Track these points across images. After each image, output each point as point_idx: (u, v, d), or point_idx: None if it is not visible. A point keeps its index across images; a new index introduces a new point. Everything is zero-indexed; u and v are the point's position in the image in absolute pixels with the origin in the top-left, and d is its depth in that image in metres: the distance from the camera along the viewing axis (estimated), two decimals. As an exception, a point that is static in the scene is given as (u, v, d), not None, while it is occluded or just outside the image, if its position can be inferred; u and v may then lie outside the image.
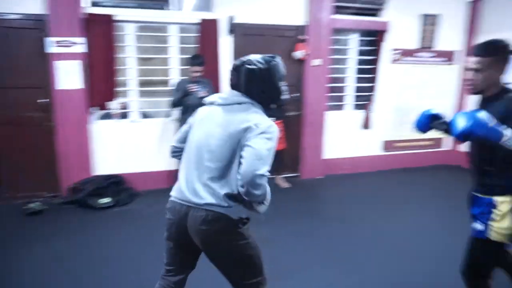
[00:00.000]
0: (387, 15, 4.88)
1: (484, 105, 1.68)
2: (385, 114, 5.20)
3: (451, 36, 5.24)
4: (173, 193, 1.58)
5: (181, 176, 1.56)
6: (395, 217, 3.65)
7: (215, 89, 4.01)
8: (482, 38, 5.04)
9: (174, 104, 3.83)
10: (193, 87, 3.67)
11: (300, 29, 4.53)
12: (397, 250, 2.95)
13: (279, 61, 1.56)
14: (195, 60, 3.78)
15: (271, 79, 1.51)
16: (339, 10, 4.71)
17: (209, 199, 1.44)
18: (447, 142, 5.59)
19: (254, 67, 1.50)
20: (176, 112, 4.25)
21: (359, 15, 4.85)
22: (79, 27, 3.74)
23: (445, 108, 5.45)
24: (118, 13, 3.91)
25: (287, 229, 3.33)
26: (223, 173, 1.45)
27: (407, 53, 5.08)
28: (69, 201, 3.83)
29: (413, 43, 5.10)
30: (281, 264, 2.63)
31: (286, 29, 4.54)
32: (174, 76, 4.30)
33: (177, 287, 1.67)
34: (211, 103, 1.59)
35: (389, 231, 3.30)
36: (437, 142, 5.55)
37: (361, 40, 5.04)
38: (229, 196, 1.45)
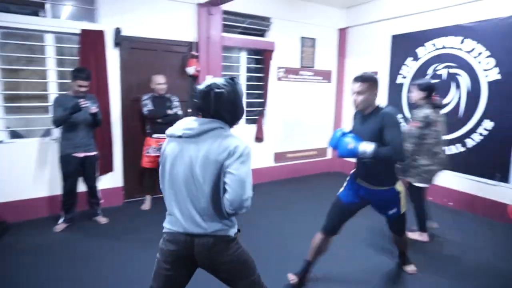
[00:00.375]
0: (272, 36, 5.28)
1: (364, 120, 2.35)
2: (275, 127, 5.55)
3: (327, 57, 5.94)
4: (169, 225, 1.63)
5: (174, 209, 1.60)
6: (283, 222, 3.90)
7: (102, 105, 3.73)
8: (349, 60, 5.96)
9: (57, 122, 3.35)
10: (84, 103, 3.30)
11: (191, 45, 4.56)
12: (282, 252, 3.14)
13: (239, 81, 1.67)
14: (80, 73, 3.40)
15: (237, 99, 1.59)
16: (228, 28, 4.92)
17: (213, 226, 1.56)
18: (330, 152, 6.24)
19: (222, 90, 1.55)
20: (57, 131, 3.82)
21: (247, 34, 5.14)
22: None
23: (326, 121, 6.13)
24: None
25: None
26: (214, 199, 1.53)
27: (291, 71, 5.55)
28: None
29: (296, 62, 5.60)
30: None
31: (177, 45, 4.52)
32: (52, 90, 3.86)
33: None
34: (179, 136, 1.58)
35: (278, 235, 3.51)
36: (321, 152, 6.15)
37: (250, 58, 5.34)
38: (225, 217, 1.57)
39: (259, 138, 5.37)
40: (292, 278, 2.60)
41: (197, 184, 1.53)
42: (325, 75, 5.98)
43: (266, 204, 4.47)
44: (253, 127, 5.34)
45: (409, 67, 4.94)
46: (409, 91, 3.56)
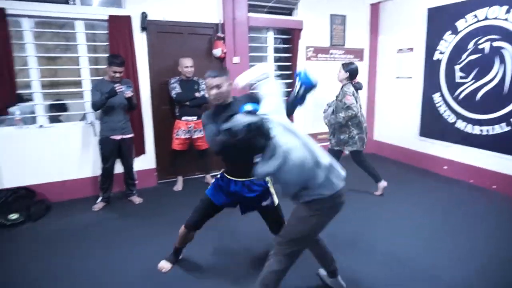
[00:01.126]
0: (300, 14, 5.13)
1: (222, 111, 2.26)
2: (305, 108, 5.43)
3: (358, 35, 5.70)
4: (337, 180, 1.89)
5: (323, 173, 1.83)
6: None
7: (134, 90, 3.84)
8: (383, 37, 5.69)
9: (95, 106, 3.51)
10: (120, 87, 3.43)
11: (217, 27, 4.54)
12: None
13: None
14: (115, 59, 3.53)
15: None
16: (254, 8, 4.83)
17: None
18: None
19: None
20: (92, 115, 3.99)
21: (273, 13, 5.03)
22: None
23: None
24: (11, 6, 3.50)
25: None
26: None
27: (320, 50, 5.39)
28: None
29: (326, 41, 5.43)
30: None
31: (203, 27, 4.51)
32: (85, 76, 4.01)
33: None
34: None
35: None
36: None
37: (277, 38, 5.24)
38: None
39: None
40: None
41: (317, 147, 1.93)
42: (357, 54, 5.76)
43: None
44: (282, 109, 5.27)
45: (448, 42, 4.63)
46: (340, 70, 3.99)
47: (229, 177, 2.38)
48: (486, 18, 4.15)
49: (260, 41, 5.12)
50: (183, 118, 4.14)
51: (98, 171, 3.88)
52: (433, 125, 4.95)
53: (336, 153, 3.98)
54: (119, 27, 3.92)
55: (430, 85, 4.92)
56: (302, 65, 5.13)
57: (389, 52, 5.59)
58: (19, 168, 3.76)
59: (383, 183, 4.06)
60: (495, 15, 4.05)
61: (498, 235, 3.10)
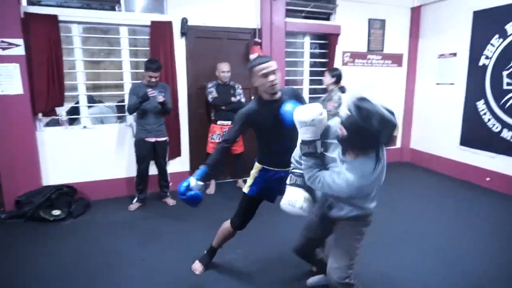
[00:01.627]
0: (337, 19, 5.07)
1: (273, 104, 2.14)
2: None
3: (397, 40, 5.55)
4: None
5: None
6: None
7: (170, 93, 3.93)
8: (423, 42, 5.51)
9: (130, 109, 3.64)
10: (152, 92, 3.52)
11: (254, 32, 4.57)
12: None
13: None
14: (151, 65, 3.62)
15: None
16: (291, 13, 4.82)
17: None
18: (399, 141, 5.89)
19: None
20: (130, 117, 4.12)
21: (311, 18, 5.00)
22: (16, 27, 3.46)
23: (395, 107, 5.75)
24: (62, 13, 3.70)
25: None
26: None
27: (357, 55, 5.29)
28: (15, 215, 3.56)
29: (363, 46, 5.32)
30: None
31: (240, 32, 4.56)
32: (126, 80, 4.16)
33: None
34: None
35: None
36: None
37: (314, 43, 5.20)
38: None
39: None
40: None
41: None
42: (395, 59, 5.60)
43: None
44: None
45: (495, 46, 4.41)
46: (324, 75, 4.09)
47: (273, 168, 2.31)
48: (538, 22, 3.92)
49: (296, 46, 5.11)
50: (219, 122, 4.18)
51: (134, 172, 4.00)
52: (475, 134, 4.72)
53: None
54: (160, 32, 4.04)
55: (474, 92, 4.69)
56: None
57: (430, 57, 5.40)
58: (63, 166, 3.94)
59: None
60: (549, 18, 3.81)
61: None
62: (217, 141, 4.20)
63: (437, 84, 5.32)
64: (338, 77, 4.04)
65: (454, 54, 5.01)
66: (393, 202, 3.94)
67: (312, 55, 5.22)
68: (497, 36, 4.36)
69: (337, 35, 5.01)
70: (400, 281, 2.51)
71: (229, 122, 4.15)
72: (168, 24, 4.08)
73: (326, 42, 5.11)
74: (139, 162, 3.83)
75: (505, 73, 4.27)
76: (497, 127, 4.41)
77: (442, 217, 3.63)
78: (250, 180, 2.39)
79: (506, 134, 4.30)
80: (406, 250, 2.95)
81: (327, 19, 5.16)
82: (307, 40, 5.10)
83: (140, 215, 3.74)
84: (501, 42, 4.32)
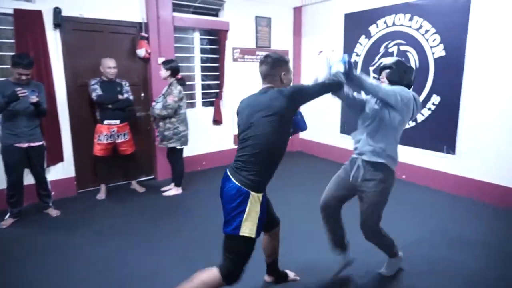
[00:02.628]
0: (226, 15, 5.16)
1: None
2: (234, 109, 5.49)
3: (283, 37, 5.90)
4: None
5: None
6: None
7: (45, 92, 3.50)
8: (305, 40, 5.97)
9: None
10: (22, 92, 3.05)
11: (141, 26, 4.35)
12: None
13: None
14: (21, 60, 3.13)
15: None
16: (179, 8, 4.73)
17: None
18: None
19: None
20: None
21: (199, 14, 4.98)
22: None
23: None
24: None
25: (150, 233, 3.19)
26: None
27: (246, 51, 5.47)
28: None
29: (252, 43, 5.52)
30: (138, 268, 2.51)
31: (124, 26, 4.29)
32: (-13, 77, 3.56)
33: None
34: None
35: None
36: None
37: (204, 39, 5.20)
38: None
39: (217, 121, 5.30)
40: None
41: None
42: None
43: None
44: (211, 110, 5.26)
45: (362, 45, 5.03)
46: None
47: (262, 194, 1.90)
48: (393, 25, 4.59)
49: (186, 42, 5.04)
50: (105, 122, 3.89)
51: (3, 184, 3.46)
52: (351, 122, 5.30)
53: (177, 153, 4.10)
54: (27, 23, 3.55)
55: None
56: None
57: (312, 54, 5.88)
58: None
59: (176, 189, 4.24)
60: (401, 22, 4.50)
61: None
62: (105, 142, 3.91)
63: (319, 78, 5.83)
64: (173, 70, 3.85)
65: (333, 51, 5.54)
66: (284, 187, 4.21)
67: (204, 51, 5.22)
68: (364, 36, 4.98)
69: (226, 31, 5.10)
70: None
71: (117, 122, 3.91)
72: (37, 14, 3.60)
73: (216, 38, 5.16)
74: (9, 171, 3.33)
75: (371, 68, 4.91)
76: (368, 116, 5.05)
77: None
78: (252, 219, 1.82)
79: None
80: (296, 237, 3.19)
81: (216, 15, 5.21)
82: (197, 36, 5.07)
83: (16, 231, 3.28)
84: (367, 42, 4.95)
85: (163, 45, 4.47)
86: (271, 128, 1.80)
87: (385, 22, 4.69)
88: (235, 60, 5.35)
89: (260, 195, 1.85)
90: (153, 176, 4.83)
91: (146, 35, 4.32)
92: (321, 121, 5.83)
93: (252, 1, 5.38)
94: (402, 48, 4.52)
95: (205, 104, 5.29)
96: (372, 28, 4.85)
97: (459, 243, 3.00)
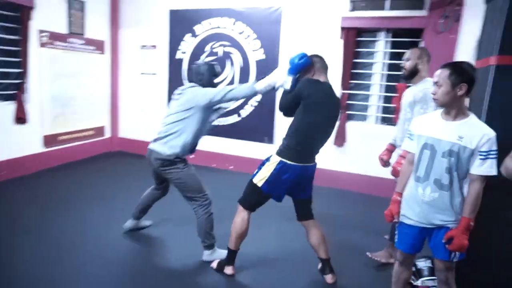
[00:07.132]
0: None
1: None
2: (42, 104, 4.54)
3: (98, 25, 5.30)
4: None
5: None
6: (74, 216, 3.36)
7: None
8: (124, 31, 5.57)
9: None
10: None
11: None
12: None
13: None
14: None
15: None
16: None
17: None
18: (108, 131, 5.74)
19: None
20: None
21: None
22: None
23: (101, 97, 5.55)
24: None
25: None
26: None
27: (57, 37, 4.62)
28: None
29: (63, 27, 4.70)
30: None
31: None
32: None
33: None
34: None
35: (73, 230, 3.06)
36: (98, 131, 5.55)
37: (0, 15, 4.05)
38: None
39: (21, 119, 4.25)
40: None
41: None
42: (98, 45, 5.34)
43: (43, 199, 3.70)
44: (11, 105, 4.18)
45: (188, 43, 5.15)
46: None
47: (298, 163, 2.27)
48: (218, 27, 4.94)
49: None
50: None
51: None
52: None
53: None
54: None
55: (175, 81, 5.29)
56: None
57: (133, 47, 5.56)
58: None
59: None
60: (225, 25, 4.90)
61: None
62: None
63: (142, 74, 5.59)
64: None
65: (154, 46, 5.42)
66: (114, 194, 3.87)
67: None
68: (190, 34, 5.12)
69: (30, 8, 4.14)
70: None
71: None
72: None
73: (17, 15, 4.11)
74: None
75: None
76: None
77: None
78: (263, 174, 2.32)
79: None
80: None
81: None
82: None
83: None
84: (193, 40, 5.12)
85: None
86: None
87: (210, 23, 4.98)
88: (42, 45, 4.42)
89: (276, 161, 2.27)
90: None
91: None
92: (145, 118, 5.62)
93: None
94: (227, 49, 4.94)
95: (2, 97, 4.15)
96: (198, 28, 5.05)
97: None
